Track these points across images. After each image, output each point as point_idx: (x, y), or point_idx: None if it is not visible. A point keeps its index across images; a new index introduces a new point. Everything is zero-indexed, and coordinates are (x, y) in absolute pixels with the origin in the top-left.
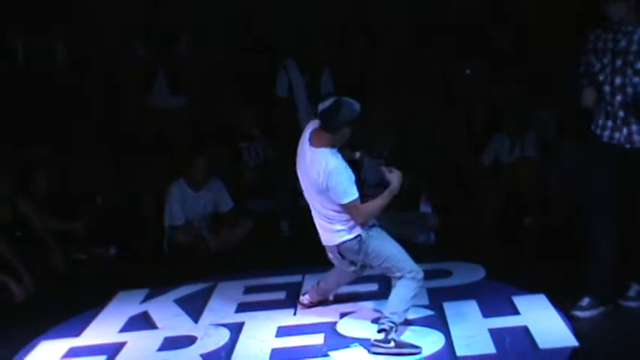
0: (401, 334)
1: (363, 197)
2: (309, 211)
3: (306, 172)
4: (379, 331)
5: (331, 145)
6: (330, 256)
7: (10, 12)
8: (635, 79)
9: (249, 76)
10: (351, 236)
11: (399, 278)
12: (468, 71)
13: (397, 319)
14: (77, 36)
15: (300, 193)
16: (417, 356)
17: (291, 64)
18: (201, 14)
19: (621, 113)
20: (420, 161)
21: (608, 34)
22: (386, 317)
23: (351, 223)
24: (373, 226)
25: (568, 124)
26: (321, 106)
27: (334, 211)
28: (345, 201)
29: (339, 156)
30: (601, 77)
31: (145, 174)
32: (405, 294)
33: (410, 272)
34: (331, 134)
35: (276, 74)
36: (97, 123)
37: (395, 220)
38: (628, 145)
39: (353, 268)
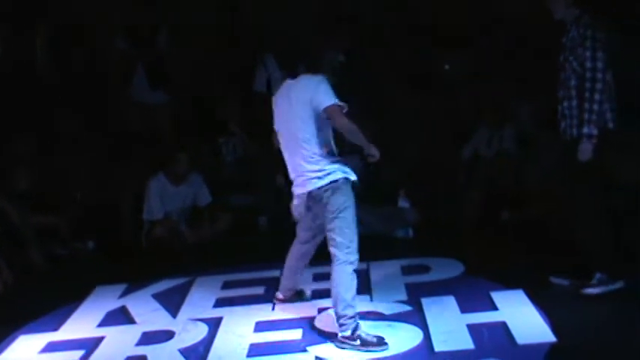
0: (378, 329)
1: None
2: (288, 208)
3: (289, 104)
4: (343, 332)
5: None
6: (296, 206)
7: None
8: (569, 73)
9: (229, 71)
10: (326, 182)
11: (335, 259)
12: (447, 67)
13: (352, 311)
14: (59, 30)
15: (279, 188)
16: (384, 351)
17: (269, 59)
18: (182, 9)
19: (560, 107)
20: (399, 155)
21: (565, 33)
22: (342, 315)
23: (329, 167)
24: (351, 185)
25: (546, 118)
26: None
27: (316, 144)
28: (329, 102)
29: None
30: None
31: (125, 168)
32: (347, 283)
33: (348, 250)
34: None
35: (255, 69)
36: (78, 118)
37: (373, 214)
38: (563, 138)
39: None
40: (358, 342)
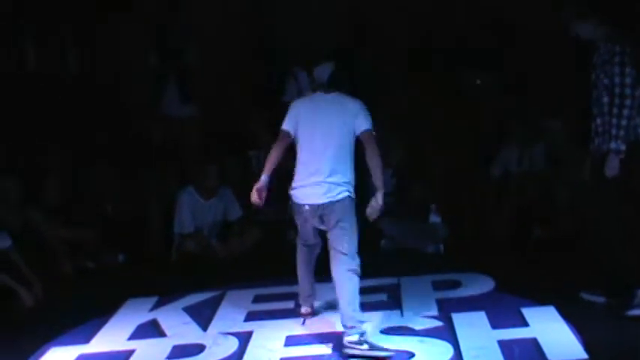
0: (409, 344)
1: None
2: None
3: (324, 113)
4: (349, 337)
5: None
6: (307, 219)
7: (23, 15)
8: (600, 91)
9: (260, 84)
10: (344, 196)
11: (338, 268)
12: (478, 81)
13: (359, 316)
14: (90, 43)
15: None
16: (389, 354)
17: (300, 72)
18: (212, 23)
19: (593, 125)
20: (430, 172)
21: (595, 51)
22: (350, 324)
23: (348, 180)
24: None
25: (577, 135)
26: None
27: (345, 156)
28: (369, 127)
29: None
30: None
31: (155, 182)
32: (352, 290)
33: (350, 259)
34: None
35: (286, 83)
36: (109, 131)
37: (404, 230)
38: (597, 155)
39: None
40: (366, 346)
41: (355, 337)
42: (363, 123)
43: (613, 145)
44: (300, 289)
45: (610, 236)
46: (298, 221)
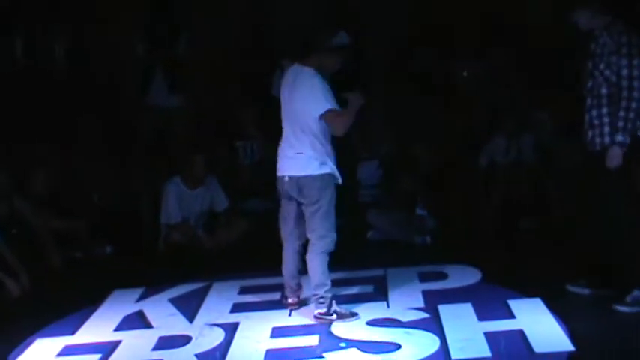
0: (394, 336)
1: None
2: None
3: (291, 93)
4: (319, 309)
5: (317, 66)
6: (285, 190)
7: (11, 9)
8: (599, 80)
9: (247, 75)
10: (320, 172)
11: (312, 246)
12: (464, 73)
13: (327, 290)
14: (77, 33)
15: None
16: (356, 320)
17: (287, 63)
18: (202, 14)
19: (587, 116)
20: (417, 164)
21: (593, 40)
22: (321, 296)
23: (323, 157)
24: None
25: (565, 126)
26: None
27: (313, 135)
28: (322, 110)
29: (319, 76)
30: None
31: (143, 172)
32: (324, 268)
33: (325, 238)
34: (320, 54)
35: (273, 75)
36: (96, 121)
37: (391, 221)
38: (590, 148)
39: (300, 201)
40: (334, 316)
41: (324, 309)
42: (316, 108)
43: (620, 138)
44: (284, 281)
45: (617, 233)
46: (281, 198)
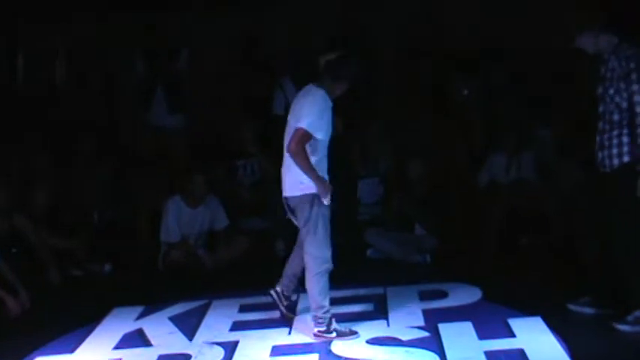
0: (395, 355)
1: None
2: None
3: (292, 110)
4: (318, 327)
5: (324, 88)
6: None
7: (12, 25)
8: (610, 107)
9: (248, 94)
10: (305, 192)
11: (308, 269)
12: (465, 92)
13: (326, 312)
14: (78, 51)
15: None
16: (357, 338)
17: (287, 82)
18: (201, 33)
19: (598, 138)
20: (415, 182)
21: (602, 63)
22: (319, 317)
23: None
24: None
25: (567, 144)
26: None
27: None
28: (300, 125)
29: (327, 99)
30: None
31: (143, 191)
32: (319, 288)
33: (320, 260)
34: (330, 81)
35: (274, 94)
36: (97, 139)
37: (390, 240)
38: (601, 170)
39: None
40: (334, 334)
41: (323, 328)
42: (300, 118)
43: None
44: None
45: (624, 254)
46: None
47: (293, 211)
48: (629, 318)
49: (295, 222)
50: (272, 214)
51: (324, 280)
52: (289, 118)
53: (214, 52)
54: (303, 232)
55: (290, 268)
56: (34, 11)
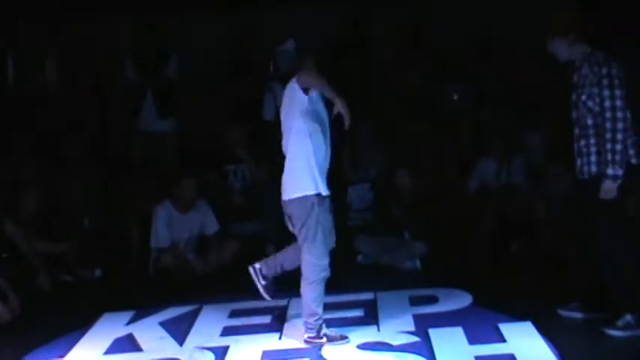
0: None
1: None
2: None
3: (283, 109)
4: (309, 333)
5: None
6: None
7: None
8: (583, 111)
9: (238, 98)
10: (306, 193)
11: (303, 277)
12: (455, 97)
13: (318, 319)
14: (69, 57)
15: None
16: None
17: (277, 86)
18: (191, 38)
19: (575, 146)
20: (404, 188)
21: (575, 71)
22: (310, 323)
23: (311, 175)
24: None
25: (556, 149)
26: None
27: (300, 149)
28: (297, 82)
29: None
30: None
31: (133, 196)
32: (314, 296)
33: (317, 268)
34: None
35: (264, 98)
36: (86, 144)
37: (381, 245)
38: (580, 176)
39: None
40: (324, 339)
41: (314, 333)
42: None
43: (610, 172)
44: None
45: (607, 259)
46: None
47: (290, 218)
48: (619, 322)
49: (291, 229)
50: (263, 219)
51: (320, 288)
52: (282, 118)
53: (204, 54)
54: (300, 238)
55: (283, 258)
56: (27, 12)
